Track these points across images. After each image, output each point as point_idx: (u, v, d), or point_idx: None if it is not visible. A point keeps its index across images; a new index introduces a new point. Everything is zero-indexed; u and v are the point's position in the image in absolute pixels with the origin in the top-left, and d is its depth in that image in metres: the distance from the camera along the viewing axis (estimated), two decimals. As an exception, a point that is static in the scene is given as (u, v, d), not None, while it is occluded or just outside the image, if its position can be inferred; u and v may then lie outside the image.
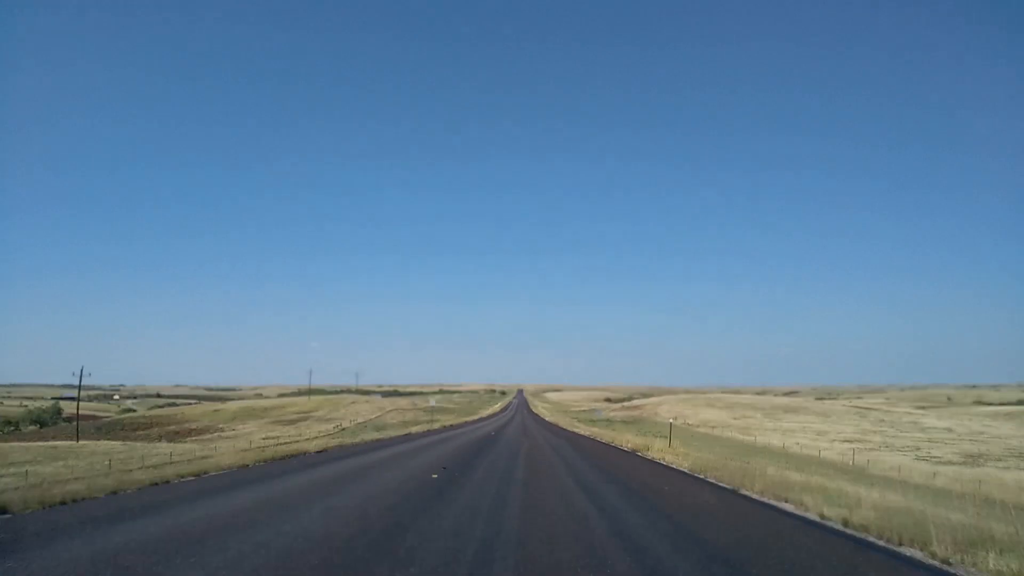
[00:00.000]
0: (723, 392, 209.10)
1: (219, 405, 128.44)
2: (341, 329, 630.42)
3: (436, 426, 53.18)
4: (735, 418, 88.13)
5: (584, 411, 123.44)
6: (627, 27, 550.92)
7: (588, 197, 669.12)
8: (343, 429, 70.36)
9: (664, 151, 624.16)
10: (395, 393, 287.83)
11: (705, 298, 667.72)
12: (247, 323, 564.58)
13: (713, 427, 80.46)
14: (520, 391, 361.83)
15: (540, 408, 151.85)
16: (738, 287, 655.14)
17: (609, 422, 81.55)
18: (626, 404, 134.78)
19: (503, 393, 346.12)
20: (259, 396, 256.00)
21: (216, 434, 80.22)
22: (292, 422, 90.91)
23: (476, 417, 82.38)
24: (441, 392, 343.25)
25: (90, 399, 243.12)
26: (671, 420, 48.45)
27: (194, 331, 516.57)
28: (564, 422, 65.78)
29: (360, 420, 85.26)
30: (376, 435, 31.40)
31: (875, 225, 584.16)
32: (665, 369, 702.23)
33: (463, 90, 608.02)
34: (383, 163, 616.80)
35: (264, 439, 55.74)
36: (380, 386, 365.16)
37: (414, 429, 42.90)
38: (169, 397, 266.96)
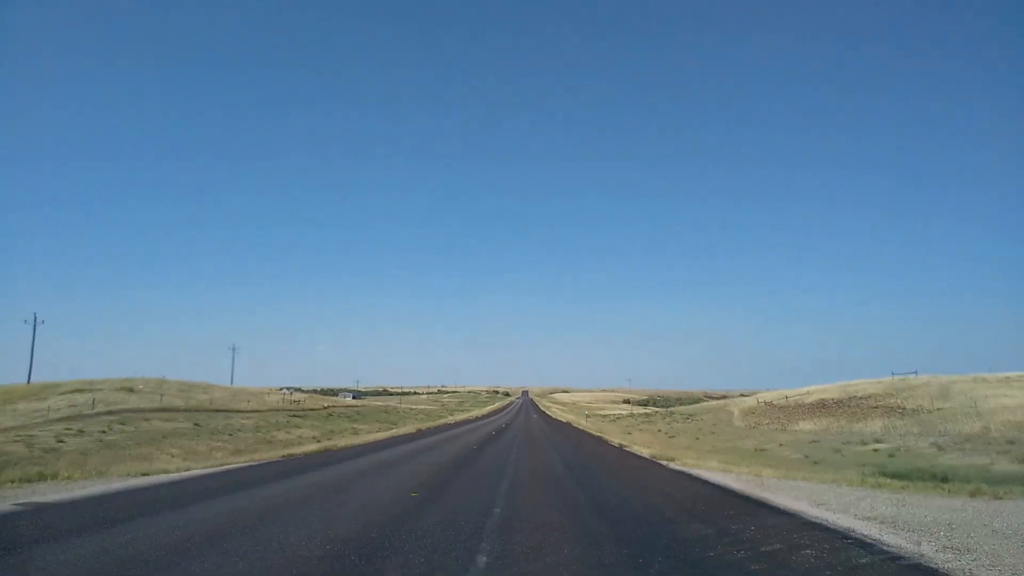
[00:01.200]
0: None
1: None
2: (343, 329, 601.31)
3: None
4: None
5: (613, 416, 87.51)
6: (621, 17, 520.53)
7: (598, 196, 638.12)
8: None
9: (674, 148, 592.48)
10: (384, 393, 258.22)
11: (716, 298, 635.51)
12: (245, 322, 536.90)
13: None
14: (525, 392, 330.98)
15: (555, 410, 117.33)
16: (745, 288, 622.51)
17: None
18: (788, 397, 58.70)
19: (506, 394, 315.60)
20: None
21: None
22: None
23: (403, 431, 40.66)
24: (440, 392, 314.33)
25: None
26: None
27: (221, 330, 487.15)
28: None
29: None
30: None
31: (859, 217, 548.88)
32: (677, 371, 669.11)
33: (471, 83, 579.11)
34: (383, 158, 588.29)
35: None
36: (377, 387, 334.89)
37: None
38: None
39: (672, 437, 48.82)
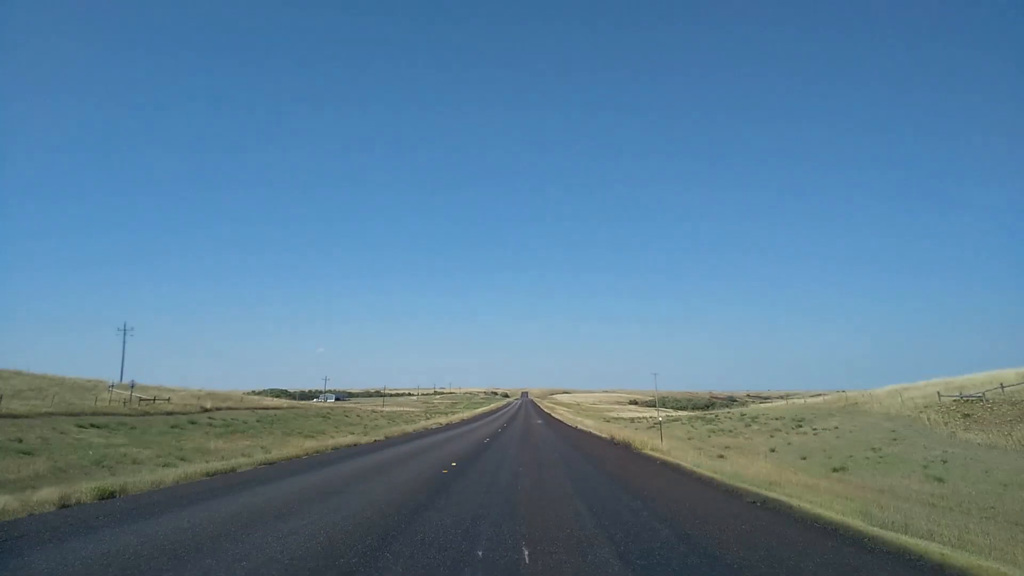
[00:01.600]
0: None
1: None
2: (343, 331, 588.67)
3: None
4: None
5: (647, 419, 67.97)
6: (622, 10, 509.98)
7: (591, 193, 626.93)
8: None
9: (673, 144, 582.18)
10: (378, 395, 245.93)
11: (715, 299, 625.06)
12: (242, 325, 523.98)
13: None
14: (524, 392, 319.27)
15: (560, 412, 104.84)
16: (744, 289, 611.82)
17: None
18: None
19: (505, 395, 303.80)
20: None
21: None
22: None
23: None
24: (435, 393, 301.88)
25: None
26: None
27: (213, 332, 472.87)
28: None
29: None
30: None
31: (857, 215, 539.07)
32: (677, 372, 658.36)
33: (472, 80, 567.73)
34: (381, 157, 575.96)
35: None
36: (369, 389, 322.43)
37: None
38: None
39: (841, 471, 26.05)
